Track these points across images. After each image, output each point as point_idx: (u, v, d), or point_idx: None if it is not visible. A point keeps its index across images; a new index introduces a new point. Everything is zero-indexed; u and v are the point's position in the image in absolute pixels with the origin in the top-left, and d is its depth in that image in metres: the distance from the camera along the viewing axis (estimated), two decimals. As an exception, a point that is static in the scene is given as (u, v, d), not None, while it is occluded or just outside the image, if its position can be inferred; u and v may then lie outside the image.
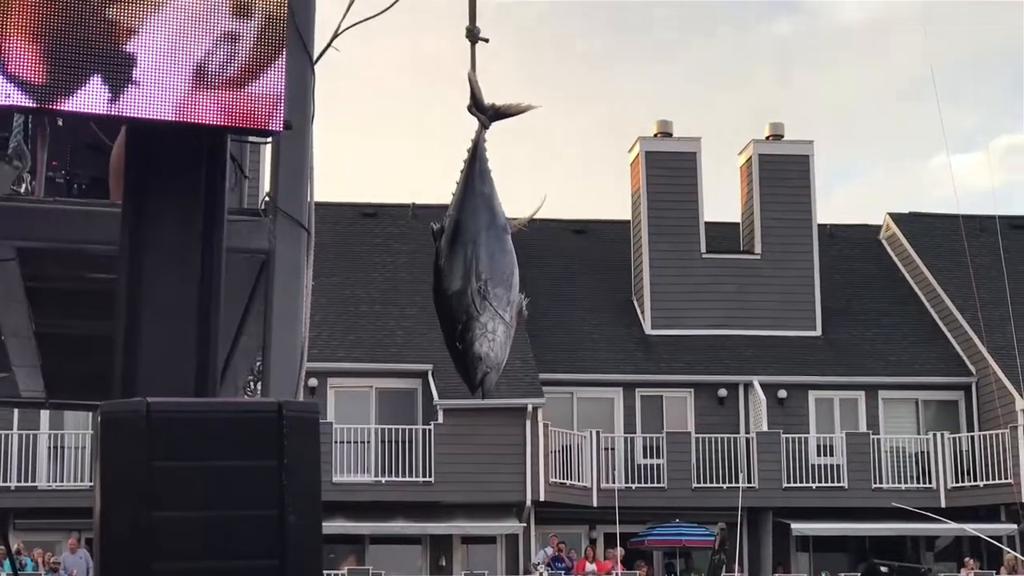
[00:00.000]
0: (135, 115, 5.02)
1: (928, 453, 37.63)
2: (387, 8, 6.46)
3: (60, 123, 7.48)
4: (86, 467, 34.01)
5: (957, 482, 37.21)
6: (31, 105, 4.92)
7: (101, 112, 5.02)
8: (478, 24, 6.60)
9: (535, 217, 6.85)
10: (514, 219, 6.46)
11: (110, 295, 5.46)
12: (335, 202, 40.14)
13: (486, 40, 6.57)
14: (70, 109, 5.01)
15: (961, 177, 72.84)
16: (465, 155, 6.43)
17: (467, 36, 6.58)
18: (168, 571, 4.09)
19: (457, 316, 6.15)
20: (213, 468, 4.19)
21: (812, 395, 38.85)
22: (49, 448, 35.03)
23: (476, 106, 6.47)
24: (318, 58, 6.07)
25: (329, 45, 6.22)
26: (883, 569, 29.47)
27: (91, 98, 4.97)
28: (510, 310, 6.23)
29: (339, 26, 6.23)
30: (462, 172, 6.36)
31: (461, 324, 6.12)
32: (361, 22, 6.34)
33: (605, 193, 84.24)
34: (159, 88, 5.01)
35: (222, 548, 4.15)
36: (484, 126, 6.46)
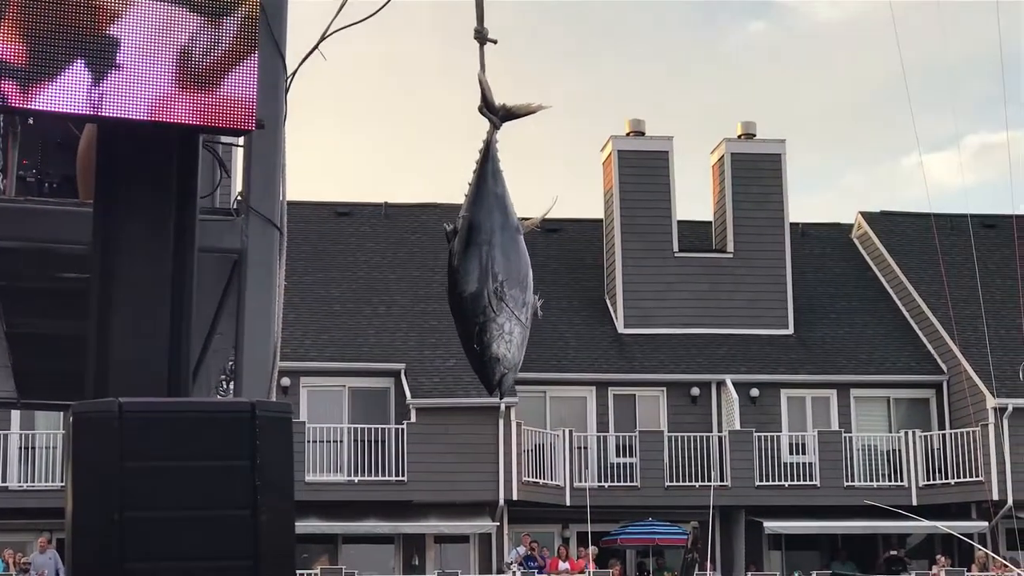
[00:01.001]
0: (108, 114, 5.00)
1: (900, 451, 37.74)
2: (375, 12, 6.45)
3: (31, 122, 7.45)
4: (57, 467, 33.90)
5: (929, 480, 37.33)
6: (2, 104, 4.90)
7: (74, 112, 5.01)
8: (485, 25, 6.58)
9: (542, 215, 6.82)
10: (526, 219, 6.44)
11: (82, 295, 5.44)
12: (308, 201, 40.09)
13: (494, 41, 6.55)
14: (44, 108, 5.00)
15: (933, 176, 73.13)
16: (477, 156, 6.41)
17: (475, 37, 6.57)
18: (141, 571, 4.08)
19: (474, 317, 6.12)
20: (186, 468, 4.18)
21: (784, 393, 38.94)
22: (20, 448, 34.88)
23: (487, 107, 6.47)
24: (302, 62, 6.07)
25: (315, 49, 6.21)
26: None
27: (65, 97, 4.95)
28: (525, 311, 6.22)
29: (326, 30, 6.22)
30: (474, 173, 6.34)
31: (478, 325, 6.09)
32: (348, 26, 6.33)
33: (577, 192, 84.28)
34: (132, 88, 5.00)
35: (195, 548, 4.14)
36: (495, 126, 6.45)
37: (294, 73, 5.95)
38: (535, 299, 6.31)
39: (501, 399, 6.53)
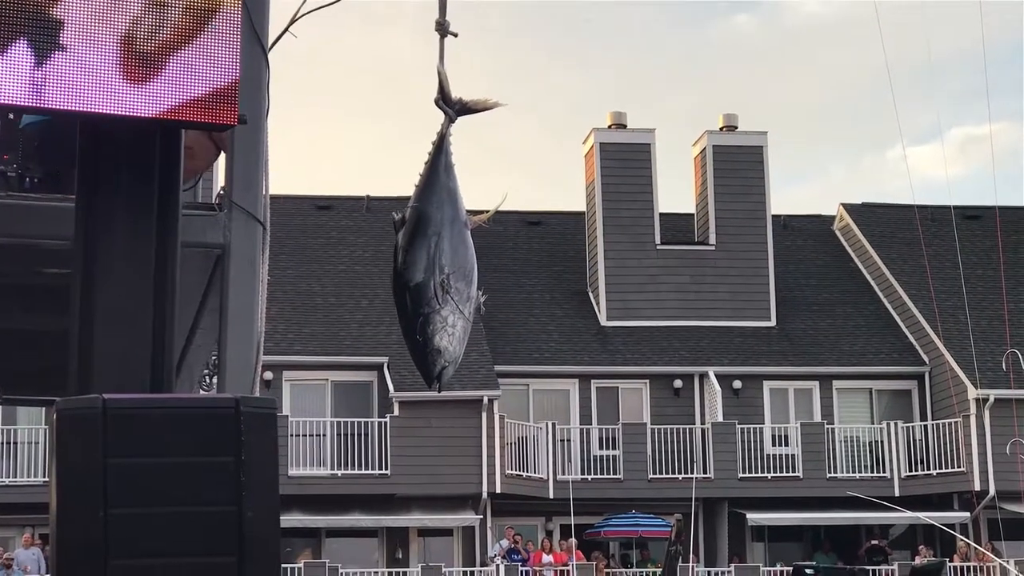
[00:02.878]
0: (87, 109, 4.98)
1: (882, 442, 37.83)
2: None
3: (11, 116, 7.42)
4: (40, 462, 33.80)
5: (911, 471, 37.43)
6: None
7: (55, 107, 4.99)
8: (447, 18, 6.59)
9: (491, 211, 6.84)
10: (476, 214, 6.46)
11: (63, 290, 5.42)
12: (289, 195, 40.03)
13: (455, 35, 6.56)
14: (19, 103, 4.98)
15: (918, 169, 73.28)
16: (430, 147, 6.42)
17: (436, 29, 6.57)
18: (125, 568, 4.07)
19: (418, 308, 6.13)
20: (170, 464, 4.17)
21: (767, 385, 39.01)
22: (2, 443, 34.79)
23: (443, 100, 6.47)
24: (272, 44, 6.04)
25: (286, 31, 6.19)
26: (808, 572, 29.69)
27: (45, 92, 4.93)
28: (469, 305, 6.24)
29: (297, 12, 6.21)
30: (426, 164, 6.35)
31: (422, 316, 6.10)
32: (320, 8, 6.32)
33: (559, 184, 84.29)
34: (113, 82, 4.98)
35: (180, 544, 4.13)
36: (451, 120, 6.46)
37: (266, 53, 5.92)
38: (479, 294, 6.33)
39: (439, 391, 6.53)
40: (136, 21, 5.02)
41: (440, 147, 6.41)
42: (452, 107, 6.46)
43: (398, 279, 6.22)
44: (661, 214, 40.83)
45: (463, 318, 6.19)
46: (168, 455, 4.18)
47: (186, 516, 4.15)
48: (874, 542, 36.14)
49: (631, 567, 36.45)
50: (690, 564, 33.04)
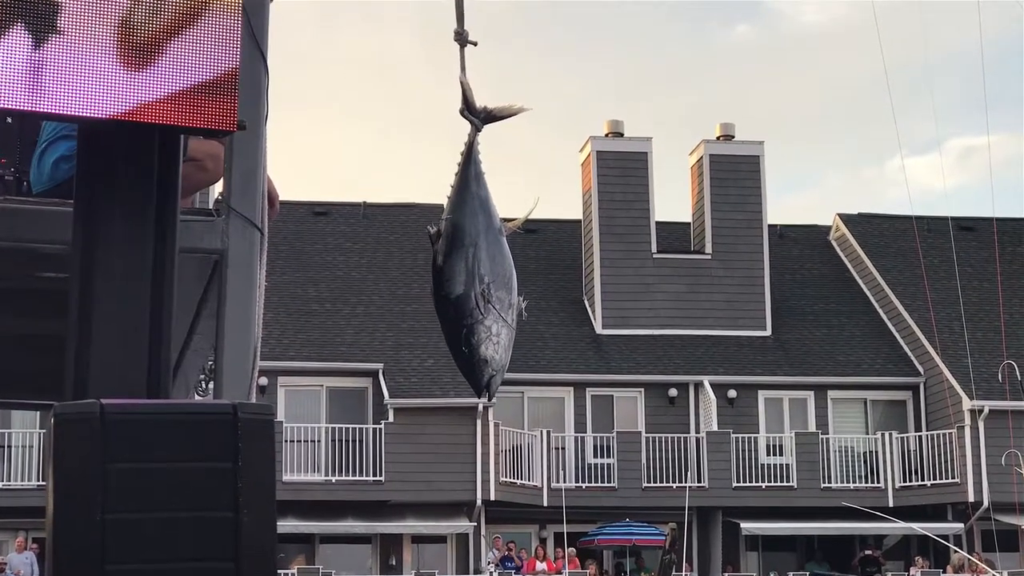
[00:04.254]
0: (85, 114, 4.98)
1: (876, 453, 37.87)
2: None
3: (9, 120, 7.42)
4: (34, 466, 33.79)
5: (905, 481, 37.46)
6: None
7: (51, 111, 4.99)
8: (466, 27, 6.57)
9: (524, 216, 6.83)
10: (509, 220, 6.46)
11: (58, 294, 5.42)
12: (286, 200, 39.95)
13: (475, 43, 6.54)
14: (19, 108, 4.98)
15: (917, 180, 73.34)
16: (459, 158, 6.42)
17: (455, 39, 6.55)
18: (121, 573, 4.07)
19: (462, 320, 6.13)
20: (167, 470, 4.17)
21: (762, 395, 39.05)
22: (-4, 447, 34.77)
23: (468, 109, 6.46)
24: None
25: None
26: None
27: (43, 96, 4.93)
28: (511, 312, 6.24)
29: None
30: (456, 175, 6.35)
31: (466, 328, 6.10)
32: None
33: (556, 193, 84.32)
34: (111, 87, 4.98)
35: (176, 550, 4.13)
36: (477, 129, 6.46)
37: (265, 59, 5.91)
38: (520, 300, 6.33)
39: (490, 400, 6.57)
40: (135, 20, 5.02)
41: (469, 157, 6.40)
42: (478, 116, 6.46)
43: (438, 292, 6.21)
44: (657, 223, 40.87)
45: (507, 326, 6.19)
46: (166, 460, 4.18)
47: (183, 521, 4.14)
48: (867, 552, 36.15)
49: (624, 575, 36.47)
50: (684, 573, 33.04)
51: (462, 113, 6.46)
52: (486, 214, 6.30)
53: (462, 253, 6.17)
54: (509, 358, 6.26)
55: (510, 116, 6.53)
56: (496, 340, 6.13)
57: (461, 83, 6.47)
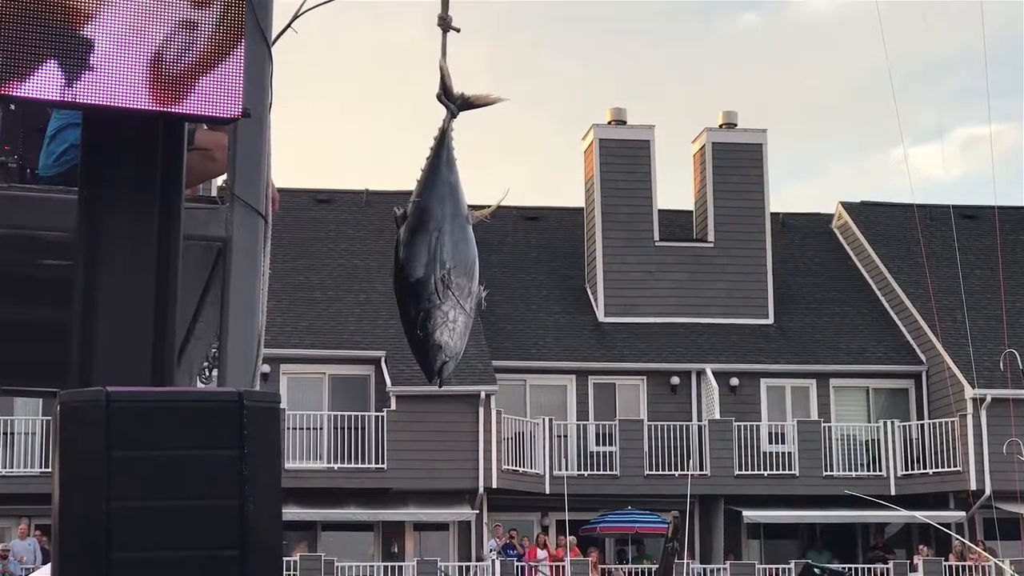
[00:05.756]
0: (91, 102, 4.98)
1: (879, 441, 37.86)
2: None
3: (12, 107, 7.41)
4: (36, 453, 33.81)
5: (907, 470, 37.45)
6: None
7: (55, 98, 4.98)
8: (450, 13, 6.58)
9: (493, 206, 6.85)
10: (477, 210, 6.46)
11: (62, 282, 5.42)
12: (289, 188, 40.01)
13: (457, 29, 6.56)
14: (23, 95, 4.97)
15: (921, 168, 73.29)
16: (431, 142, 6.43)
17: (439, 24, 6.56)
18: (127, 560, 4.07)
19: (419, 303, 6.13)
20: (173, 457, 4.17)
21: (764, 383, 39.04)
22: (-1, 434, 34.80)
23: (445, 95, 6.47)
24: (275, 40, 6.02)
25: (288, 26, 6.17)
26: (816, 571, 29.72)
27: (45, 83, 4.93)
28: (470, 301, 6.23)
29: (299, 8, 6.19)
30: (428, 159, 6.35)
31: (423, 312, 6.11)
32: (322, 3, 6.30)
33: (558, 180, 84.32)
34: (115, 74, 4.98)
35: (182, 538, 4.14)
36: (452, 115, 6.46)
37: (269, 47, 5.91)
38: (480, 289, 6.33)
39: (440, 387, 6.54)
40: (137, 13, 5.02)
41: (442, 142, 6.41)
42: (454, 102, 6.47)
43: (399, 274, 6.22)
44: (660, 211, 40.85)
45: (464, 313, 6.19)
46: (171, 448, 4.19)
47: (188, 509, 4.15)
48: (878, 550, 36.28)
49: (627, 563, 36.49)
50: (685, 561, 33.06)
51: (439, 98, 6.48)
52: (454, 200, 6.31)
53: (426, 237, 6.17)
54: (464, 346, 6.26)
55: (487, 105, 6.54)
56: (452, 326, 6.13)
57: (440, 68, 6.49)
